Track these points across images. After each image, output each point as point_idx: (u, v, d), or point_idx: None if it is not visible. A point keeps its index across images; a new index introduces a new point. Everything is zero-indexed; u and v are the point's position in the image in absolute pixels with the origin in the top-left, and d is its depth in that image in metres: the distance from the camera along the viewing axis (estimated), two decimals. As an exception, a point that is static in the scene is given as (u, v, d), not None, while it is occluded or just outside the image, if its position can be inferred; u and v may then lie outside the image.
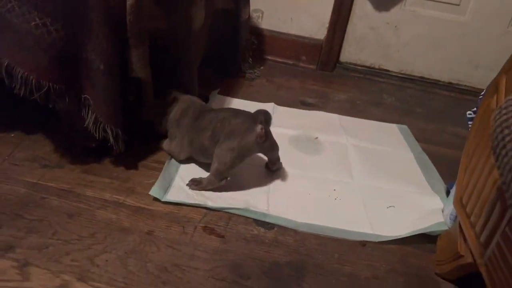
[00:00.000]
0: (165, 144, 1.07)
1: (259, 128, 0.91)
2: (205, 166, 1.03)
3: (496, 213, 0.64)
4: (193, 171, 1.04)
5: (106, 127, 0.91)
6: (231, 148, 0.92)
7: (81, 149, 1.02)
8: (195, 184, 0.98)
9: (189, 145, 1.01)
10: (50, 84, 0.84)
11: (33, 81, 0.82)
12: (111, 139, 0.92)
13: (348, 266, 0.84)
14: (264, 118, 0.93)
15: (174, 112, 1.05)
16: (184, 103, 1.06)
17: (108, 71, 0.88)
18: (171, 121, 1.05)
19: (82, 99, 0.89)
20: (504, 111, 0.50)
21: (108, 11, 0.85)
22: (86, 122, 0.90)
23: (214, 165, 0.94)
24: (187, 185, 0.98)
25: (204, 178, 0.98)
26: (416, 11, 1.74)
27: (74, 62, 0.86)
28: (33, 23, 0.80)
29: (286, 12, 1.78)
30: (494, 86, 0.77)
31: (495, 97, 0.75)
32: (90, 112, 0.90)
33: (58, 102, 0.90)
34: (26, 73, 0.82)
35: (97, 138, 0.92)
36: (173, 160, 1.06)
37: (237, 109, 1.00)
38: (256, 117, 0.92)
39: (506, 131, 0.47)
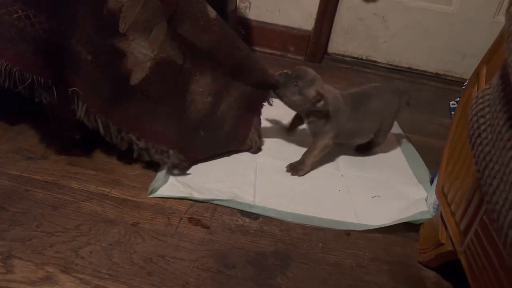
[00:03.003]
0: (321, 141, 1.06)
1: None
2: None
3: (475, 201, 0.65)
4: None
5: (96, 117, 0.90)
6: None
7: (66, 141, 1.01)
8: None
9: (347, 133, 1.08)
10: (34, 76, 0.83)
11: (17, 73, 0.82)
12: (101, 130, 0.91)
13: (333, 255, 0.85)
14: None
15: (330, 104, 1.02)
16: (331, 94, 1.04)
17: (96, 61, 0.86)
18: (324, 113, 1.03)
19: (70, 91, 0.88)
20: (480, 100, 0.50)
21: (96, 1, 0.84)
22: (78, 114, 0.89)
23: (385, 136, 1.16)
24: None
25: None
26: (403, 2, 1.74)
27: (59, 54, 0.85)
28: (15, 15, 0.79)
29: (274, 3, 1.78)
30: (475, 76, 0.78)
31: (476, 87, 0.76)
32: (80, 103, 0.88)
33: (43, 95, 0.88)
34: (9, 65, 0.81)
35: (87, 129, 0.91)
36: None
37: (384, 85, 1.16)
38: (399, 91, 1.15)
39: (482, 120, 0.48)
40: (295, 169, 1.07)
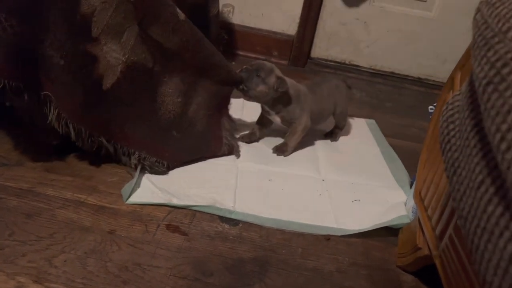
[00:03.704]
0: (299, 125, 1.16)
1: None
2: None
3: (450, 206, 0.66)
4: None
5: (68, 123, 0.89)
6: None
7: (43, 147, 0.99)
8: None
9: (312, 116, 1.18)
10: (6, 81, 0.82)
11: None
12: (73, 136, 0.90)
13: (312, 261, 0.85)
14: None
15: (292, 93, 1.14)
16: (289, 80, 1.14)
17: (68, 66, 0.85)
18: (293, 99, 1.14)
19: (42, 95, 0.87)
20: (450, 107, 0.51)
21: (69, 5, 0.83)
22: (49, 118, 0.88)
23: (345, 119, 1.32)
24: None
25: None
26: (385, 7, 1.76)
27: (32, 58, 0.83)
28: None
29: (257, 7, 1.78)
30: (451, 81, 0.79)
31: (451, 92, 0.77)
32: (52, 108, 0.87)
33: (16, 100, 0.87)
34: None
35: (60, 134, 0.89)
36: None
37: (329, 75, 1.37)
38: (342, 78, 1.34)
39: (451, 126, 0.48)
40: (280, 150, 1.17)
